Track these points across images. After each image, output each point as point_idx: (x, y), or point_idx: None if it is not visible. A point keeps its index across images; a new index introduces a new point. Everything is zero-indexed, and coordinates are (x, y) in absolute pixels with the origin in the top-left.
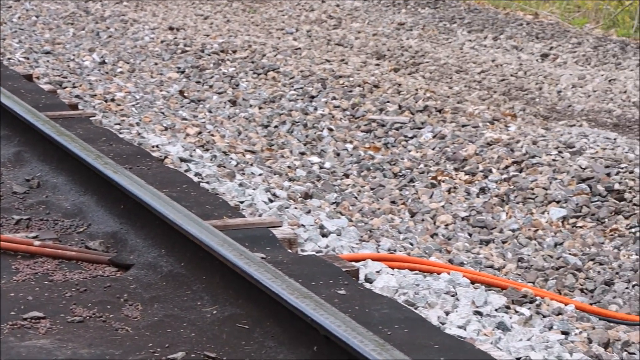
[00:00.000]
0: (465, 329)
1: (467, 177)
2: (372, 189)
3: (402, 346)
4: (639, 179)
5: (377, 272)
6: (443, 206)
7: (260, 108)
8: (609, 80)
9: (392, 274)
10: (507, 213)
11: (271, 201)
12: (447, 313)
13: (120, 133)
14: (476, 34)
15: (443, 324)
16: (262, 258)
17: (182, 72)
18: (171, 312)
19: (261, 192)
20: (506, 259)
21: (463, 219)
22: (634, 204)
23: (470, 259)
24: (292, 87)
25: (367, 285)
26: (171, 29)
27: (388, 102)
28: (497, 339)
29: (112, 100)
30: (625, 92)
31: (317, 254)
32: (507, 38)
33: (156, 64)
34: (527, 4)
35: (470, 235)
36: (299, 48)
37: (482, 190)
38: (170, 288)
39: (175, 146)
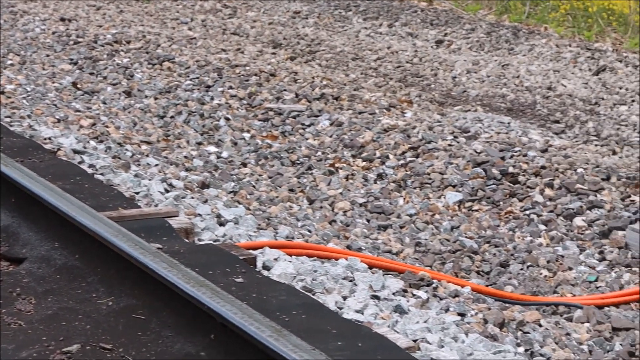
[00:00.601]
0: (362, 313)
1: (364, 163)
2: (270, 177)
3: (299, 332)
4: (532, 162)
5: (275, 259)
6: (341, 193)
7: (155, 99)
8: (502, 66)
9: (290, 261)
10: (404, 198)
11: (167, 191)
12: (344, 298)
13: (11, 126)
14: (371, 21)
15: (341, 308)
16: (159, 248)
17: (75, 63)
18: (66, 304)
19: (157, 183)
20: (404, 243)
21: (361, 205)
22: (528, 187)
23: (369, 245)
24: (188, 77)
25: (265, 272)
26: (63, 20)
27: (285, 90)
28: (394, 322)
29: (2, 92)
30: (518, 77)
31: (214, 243)
32: (402, 25)
33: (48, 55)
34: None
35: (368, 221)
36: (194, 38)
37: (380, 177)
38: (64, 281)
39: (68, 138)
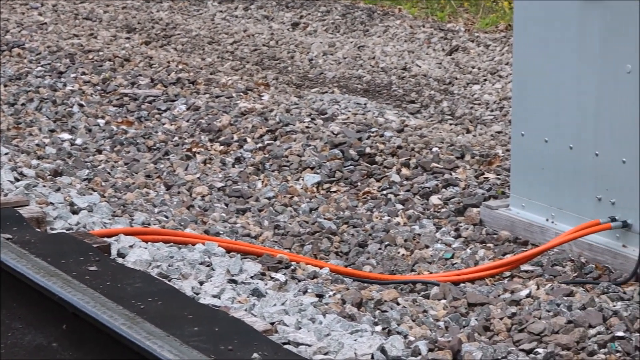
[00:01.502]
0: (219, 298)
1: (222, 147)
2: (126, 163)
3: (155, 319)
4: (389, 142)
5: (130, 246)
6: (199, 178)
7: (5, 86)
8: (358, 47)
9: (146, 248)
10: (262, 181)
11: (18, 180)
12: (201, 283)
13: None
14: (227, 4)
15: (197, 294)
16: (8, 239)
17: None
18: None
19: (7, 172)
20: (263, 226)
21: (219, 189)
22: (385, 167)
23: (227, 229)
24: (39, 63)
25: (120, 260)
26: None
27: (140, 75)
28: (251, 306)
29: None
30: (373, 58)
31: (67, 232)
32: (257, 8)
33: None
34: None
35: (226, 205)
36: (45, 23)
37: (238, 160)
38: None
39: None
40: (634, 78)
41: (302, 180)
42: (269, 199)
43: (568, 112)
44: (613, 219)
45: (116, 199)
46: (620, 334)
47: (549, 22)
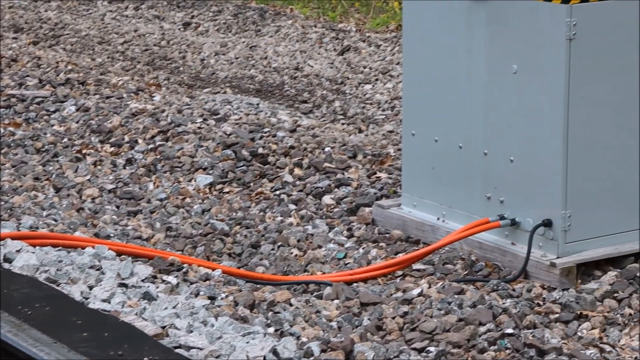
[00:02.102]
0: (109, 302)
1: (112, 149)
2: (13, 166)
3: (42, 325)
4: (281, 143)
5: (17, 251)
6: (89, 180)
7: None
8: (250, 47)
9: (34, 252)
10: (154, 183)
11: None
12: (91, 287)
13: None
14: (117, 4)
15: (87, 298)
16: None
17: None
18: None
19: None
20: (155, 229)
21: (110, 191)
22: (278, 167)
23: (118, 232)
24: None
25: (6, 265)
26: None
27: (27, 76)
28: (142, 310)
29: None
30: (265, 58)
31: None
32: (148, 8)
33: None
34: None
35: (117, 207)
36: None
37: (129, 162)
38: None
39: None
40: (520, 78)
41: (195, 181)
42: (160, 200)
43: (457, 111)
44: (502, 217)
45: (3, 203)
46: (510, 331)
47: (437, 22)
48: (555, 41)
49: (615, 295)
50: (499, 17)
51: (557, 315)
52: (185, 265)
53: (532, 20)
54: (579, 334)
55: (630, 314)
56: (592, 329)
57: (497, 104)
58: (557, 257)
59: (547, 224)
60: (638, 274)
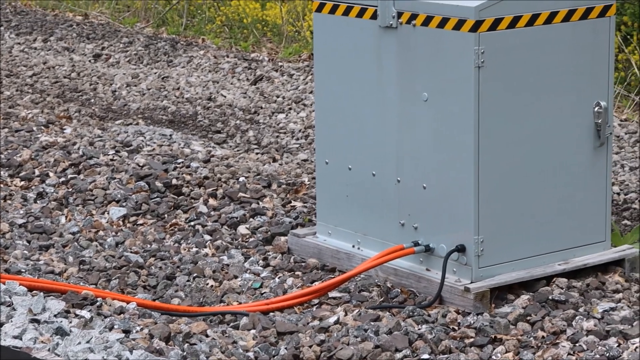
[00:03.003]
0: (21, 339)
1: (23, 182)
2: None
3: None
4: (195, 173)
5: None
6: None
7: None
8: (162, 78)
9: None
10: (66, 216)
11: None
12: (1, 324)
13: None
14: (25, 36)
15: None
16: None
17: None
18: None
19: None
20: (67, 262)
21: (21, 226)
22: (192, 198)
23: (29, 267)
24: None
25: None
26: None
27: None
28: (55, 345)
29: None
30: (178, 88)
31: None
32: (57, 40)
33: None
34: (76, 4)
35: (28, 242)
36: None
37: (40, 195)
38: None
39: None
40: (431, 106)
41: (108, 214)
42: (73, 234)
43: (370, 139)
44: (416, 244)
45: None
46: (426, 356)
47: (347, 50)
48: (464, 69)
49: (529, 318)
50: (409, 45)
51: (472, 340)
52: (99, 299)
53: (441, 49)
54: (494, 357)
55: (543, 337)
56: (507, 352)
57: (409, 131)
58: (471, 282)
59: (461, 249)
60: (550, 297)
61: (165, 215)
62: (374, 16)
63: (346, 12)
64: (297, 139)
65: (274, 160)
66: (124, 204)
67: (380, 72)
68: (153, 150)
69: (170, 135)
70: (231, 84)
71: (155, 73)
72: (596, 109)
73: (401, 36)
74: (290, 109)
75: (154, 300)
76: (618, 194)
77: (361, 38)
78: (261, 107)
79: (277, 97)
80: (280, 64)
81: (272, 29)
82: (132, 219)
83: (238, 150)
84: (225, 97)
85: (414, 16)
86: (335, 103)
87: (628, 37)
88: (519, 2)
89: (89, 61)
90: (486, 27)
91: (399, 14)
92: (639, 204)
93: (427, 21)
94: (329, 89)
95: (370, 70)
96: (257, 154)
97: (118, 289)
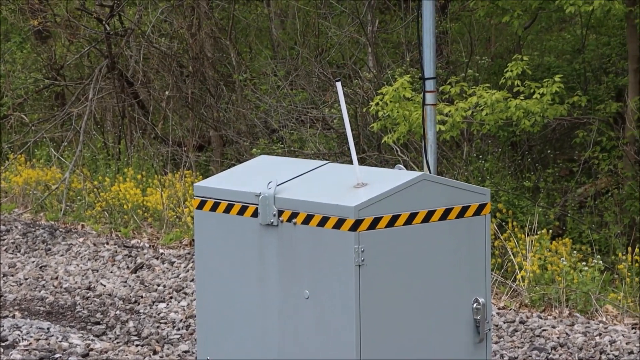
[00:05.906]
0: None
1: None
2: None
3: None
4: None
5: None
6: None
7: None
8: (40, 267)
9: None
10: None
11: None
12: None
13: None
14: None
15: None
16: None
17: None
18: None
19: None
20: None
21: None
22: None
23: None
24: None
25: None
26: None
27: None
28: None
29: None
30: (56, 277)
31: None
32: None
33: None
34: None
35: None
36: None
37: None
38: None
39: None
40: (313, 303)
41: None
42: None
43: (252, 335)
44: None
45: None
46: None
47: (230, 246)
48: (344, 267)
49: None
50: (290, 242)
51: None
52: None
53: (322, 247)
54: None
55: None
56: None
57: (292, 327)
58: None
59: None
60: None
61: None
62: (255, 214)
63: (227, 210)
64: (178, 329)
65: (155, 352)
66: None
67: (262, 268)
68: (30, 344)
69: (48, 328)
70: (111, 272)
71: (33, 262)
72: (475, 305)
73: (282, 234)
74: (171, 297)
75: None
76: None
77: (243, 235)
78: (141, 296)
79: (158, 285)
80: (161, 251)
81: (153, 214)
82: None
83: (118, 343)
84: (105, 286)
85: (294, 214)
86: (217, 295)
87: (503, 224)
88: (398, 201)
89: None
90: (366, 226)
91: (280, 212)
92: None
93: (307, 219)
94: (209, 285)
95: (252, 266)
96: (137, 345)
97: None
